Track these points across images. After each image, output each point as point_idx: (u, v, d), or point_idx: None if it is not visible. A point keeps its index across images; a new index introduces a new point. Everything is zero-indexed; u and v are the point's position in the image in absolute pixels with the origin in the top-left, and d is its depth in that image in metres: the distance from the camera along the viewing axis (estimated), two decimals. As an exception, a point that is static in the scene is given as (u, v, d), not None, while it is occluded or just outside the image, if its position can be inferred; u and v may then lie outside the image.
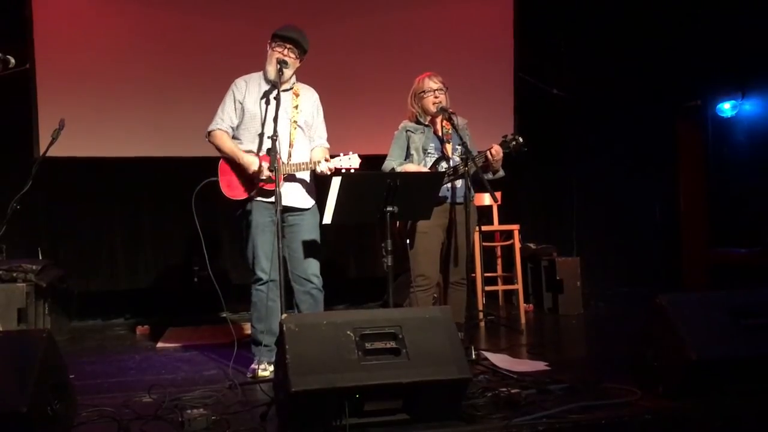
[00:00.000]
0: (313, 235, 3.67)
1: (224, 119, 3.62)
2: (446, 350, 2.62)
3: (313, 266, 3.63)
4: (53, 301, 4.79)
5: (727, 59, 6.41)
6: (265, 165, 3.44)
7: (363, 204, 3.33)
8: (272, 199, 3.38)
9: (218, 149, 3.63)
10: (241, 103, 3.60)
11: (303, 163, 3.58)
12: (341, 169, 3.51)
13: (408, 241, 3.76)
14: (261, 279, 3.55)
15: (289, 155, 3.60)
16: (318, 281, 3.64)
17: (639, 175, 6.52)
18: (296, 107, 3.65)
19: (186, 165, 5.42)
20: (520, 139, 3.76)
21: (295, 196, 3.62)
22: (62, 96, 5.27)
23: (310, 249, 3.64)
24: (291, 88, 3.66)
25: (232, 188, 3.58)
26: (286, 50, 3.55)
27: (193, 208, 3.48)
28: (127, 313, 5.62)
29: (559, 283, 5.46)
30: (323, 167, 3.50)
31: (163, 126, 5.50)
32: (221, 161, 3.61)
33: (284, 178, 3.52)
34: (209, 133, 3.64)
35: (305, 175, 3.65)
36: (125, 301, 5.65)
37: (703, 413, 2.71)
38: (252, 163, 3.50)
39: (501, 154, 3.75)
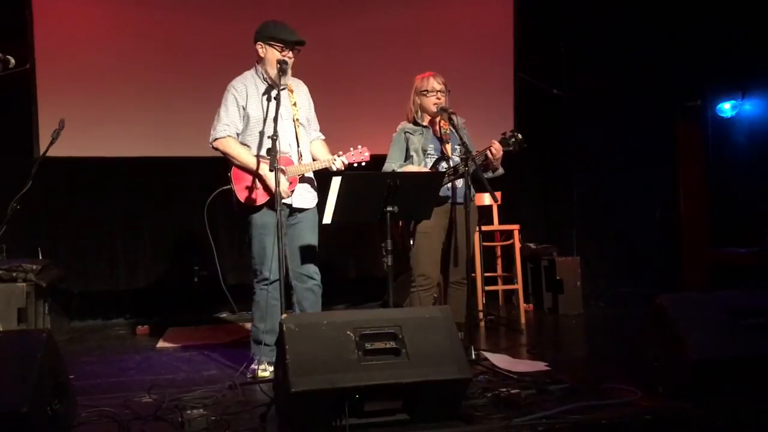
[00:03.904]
0: (315, 233, 3.69)
1: (230, 125, 3.54)
2: (446, 350, 2.62)
3: (314, 263, 3.65)
4: (53, 301, 4.79)
5: (727, 59, 6.41)
6: (282, 177, 3.42)
7: (363, 204, 3.33)
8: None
9: (228, 156, 3.53)
10: (244, 109, 3.55)
11: (318, 162, 3.60)
12: (354, 163, 3.56)
13: (412, 241, 3.76)
14: (267, 278, 3.53)
15: (300, 156, 3.62)
16: (318, 277, 3.65)
17: (639, 175, 6.51)
18: (294, 104, 3.65)
19: (186, 165, 5.44)
20: (520, 136, 3.76)
21: (305, 196, 3.65)
22: (62, 96, 5.26)
23: (312, 246, 3.66)
24: (285, 86, 3.65)
25: (248, 195, 3.51)
26: (290, 53, 3.54)
27: (205, 216, 3.47)
28: (127, 313, 5.62)
29: (559, 283, 5.46)
30: (338, 164, 3.53)
31: (163, 126, 5.50)
32: (234, 168, 3.54)
33: (298, 180, 3.57)
34: (216, 140, 3.54)
35: (310, 173, 3.67)
36: (125, 301, 5.65)
37: (703, 413, 2.71)
38: (269, 177, 3.46)
39: (501, 152, 3.76)
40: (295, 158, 3.60)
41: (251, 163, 3.50)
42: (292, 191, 3.55)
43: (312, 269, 3.63)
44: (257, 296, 3.59)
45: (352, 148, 3.56)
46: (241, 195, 3.52)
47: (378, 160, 3.99)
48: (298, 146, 3.62)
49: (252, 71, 3.64)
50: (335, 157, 3.57)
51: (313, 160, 3.68)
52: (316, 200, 3.71)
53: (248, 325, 4.21)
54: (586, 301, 5.56)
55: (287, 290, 3.38)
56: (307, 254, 3.62)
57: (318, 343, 2.54)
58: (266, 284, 3.54)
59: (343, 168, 3.51)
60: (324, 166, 3.59)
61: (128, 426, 2.67)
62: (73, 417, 2.73)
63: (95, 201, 5.54)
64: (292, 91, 3.67)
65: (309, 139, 3.74)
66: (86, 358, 4.22)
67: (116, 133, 5.41)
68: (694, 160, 6.75)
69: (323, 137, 3.83)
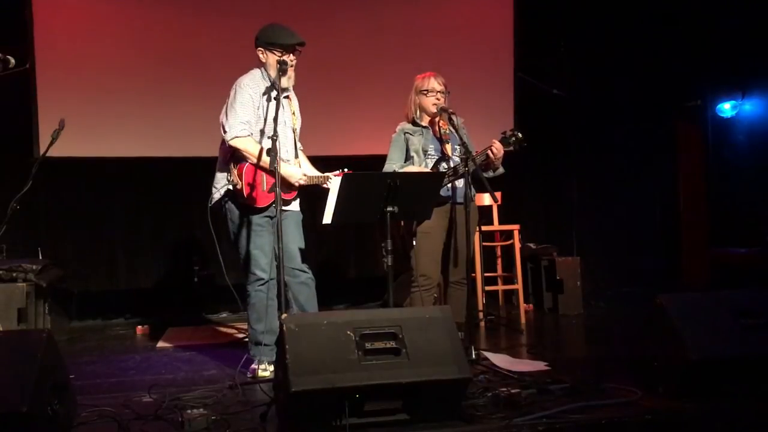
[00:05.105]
0: (299, 229, 3.71)
1: (247, 124, 3.49)
2: (446, 350, 2.63)
3: (302, 257, 3.65)
4: (53, 301, 4.79)
5: (727, 59, 6.41)
6: (299, 172, 3.52)
7: (363, 204, 3.33)
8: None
9: (248, 155, 3.47)
10: (257, 110, 3.54)
11: (313, 177, 3.64)
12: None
13: (414, 241, 3.76)
14: (262, 279, 3.54)
15: (299, 166, 3.65)
16: (309, 271, 3.66)
17: (639, 175, 6.52)
18: (293, 113, 3.69)
19: (186, 165, 5.43)
20: (520, 135, 3.76)
21: (294, 203, 3.68)
22: (62, 96, 5.26)
23: (299, 242, 3.67)
24: (289, 92, 3.65)
25: (255, 194, 3.49)
26: (290, 55, 3.55)
27: (209, 215, 3.48)
28: (127, 313, 5.62)
29: (559, 283, 5.46)
30: (331, 183, 3.56)
31: (164, 126, 5.50)
32: (248, 165, 3.49)
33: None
34: (237, 137, 3.46)
35: None
36: (125, 301, 5.65)
37: (703, 413, 2.71)
38: (294, 170, 3.54)
39: (502, 152, 3.76)
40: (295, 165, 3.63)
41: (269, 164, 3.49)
42: (292, 198, 3.62)
43: (301, 263, 3.63)
44: (252, 298, 3.57)
45: (342, 169, 3.58)
46: (247, 193, 3.50)
47: (378, 160, 4.00)
48: (296, 158, 3.66)
49: (260, 71, 3.62)
50: (329, 175, 3.60)
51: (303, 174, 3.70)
52: (298, 206, 3.73)
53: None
54: (586, 301, 5.56)
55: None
56: (295, 249, 3.63)
57: (318, 343, 2.54)
58: (261, 284, 3.54)
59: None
60: (317, 183, 3.64)
61: (128, 426, 2.67)
62: (73, 417, 2.73)
63: (95, 201, 5.54)
64: (290, 100, 3.68)
65: None
66: (86, 358, 4.22)
67: (116, 133, 5.41)
68: (694, 160, 6.75)
69: (301, 148, 3.83)
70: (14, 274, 4.50)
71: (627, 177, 6.47)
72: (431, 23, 5.97)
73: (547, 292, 5.62)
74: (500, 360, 3.66)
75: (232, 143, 3.49)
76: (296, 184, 3.57)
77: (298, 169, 3.60)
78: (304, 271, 3.63)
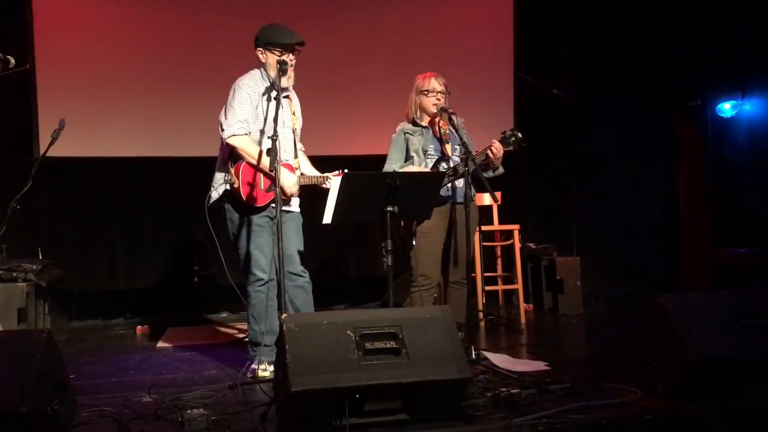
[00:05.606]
0: (299, 232, 3.71)
1: (245, 123, 3.49)
2: (446, 350, 2.63)
3: (300, 261, 3.66)
4: (53, 301, 4.79)
5: (727, 59, 6.41)
6: (293, 179, 3.52)
7: (363, 204, 3.33)
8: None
9: (244, 154, 3.47)
10: (255, 109, 3.54)
11: (311, 177, 3.65)
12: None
13: (414, 241, 3.76)
14: (261, 279, 3.54)
15: (298, 166, 3.66)
16: (306, 275, 3.66)
17: (639, 175, 6.52)
18: (294, 114, 3.69)
19: (186, 165, 5.43)
20: (519, 135, 3.77)
21: (294, 202, 3.68)
22: (62, 96, 5.26)
23: (298, 245, 3.68)
24: (288, 92, 3.65)
25: (253, 194, 3.49)
26: (290, 55, 3.55)
27: (207, 216, 3.48)
28: (127, 313, 5.62)
29: (559, 283, 5.46)
30: (330, 183, 3.57)
31: (164, 126, 5.49)
32: (245, 164, 3.49)
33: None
34: (234, 136, 3.46)
35: None
36: (125, 301, 5.65)
37: (703, 413, 2.72)
38: (289, 178, 3.53)
39: (502, 151, 3.76)
40: (294, 166, 3.62)
41: (267, 164, 3.48)
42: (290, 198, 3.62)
43: (299, 267, 3.63)
44: (252, 298, 3.57)
45: (341, 170, 3.59)
46: (245, 193, 3.50)
47: (378, 160, 4.00)
48: (295, 156, 3.66)
49: (259, 71, 3.62)
50: (327, 175, 3.62)
51: (301, 174, 3.70)
52: (298, 207, 3.74)
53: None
54: (586, 301, 5.56)
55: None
56: (294, 253, 3.63)
57: (318, 343, 2.54)
58: (261, 285, 3.54)
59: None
60: (316, 183, 3.65)
61: (128, 426, 2.68)
62: (73, 417, 2.73)
63: (95, 201, 5.54)
64: (290, 99, 3.68)
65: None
66: (86, 358, 4.22)
67: (116, 133, 5.41)
68: (694, 160, 6.75)
69: (303, 148, 3.84)
70: (14, 274, 4.49)
71: (627, 177, 6.47)
72: (431, 23, 5.96)
73: (547, 292, 5.62)
74: (500, 360, 3.66)
75: (229, 141, 3.49)
76: (288, 193, 3.53)
77: (292, 178, 3.57)
78: (301, 275, 3.63)
